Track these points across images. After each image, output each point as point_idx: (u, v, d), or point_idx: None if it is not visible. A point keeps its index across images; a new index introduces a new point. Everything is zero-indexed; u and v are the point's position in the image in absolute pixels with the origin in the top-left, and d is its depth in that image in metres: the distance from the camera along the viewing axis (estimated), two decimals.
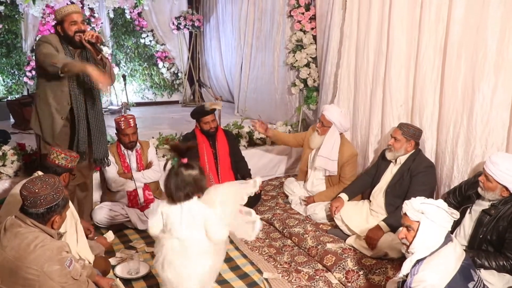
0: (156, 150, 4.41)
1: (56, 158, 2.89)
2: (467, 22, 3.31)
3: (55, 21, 3.32)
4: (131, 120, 3.92)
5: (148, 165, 4.09)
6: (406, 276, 2.29)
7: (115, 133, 4.05)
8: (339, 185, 4.09)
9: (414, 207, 2.31)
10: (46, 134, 3.38)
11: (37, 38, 6.83)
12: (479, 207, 2.91)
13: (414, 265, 2.24)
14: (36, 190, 2.09)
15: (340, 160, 4.05)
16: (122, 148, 3.99)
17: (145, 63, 8.16)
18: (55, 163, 2.88)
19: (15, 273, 2.02)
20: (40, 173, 2.89)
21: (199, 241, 2.43)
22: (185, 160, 2.36)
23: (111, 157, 3.90)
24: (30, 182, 2.14)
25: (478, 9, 3.22)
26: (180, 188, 2.35)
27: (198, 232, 2.42)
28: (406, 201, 2.37)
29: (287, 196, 4.52)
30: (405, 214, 2.36)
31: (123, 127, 3.89)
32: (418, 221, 2.29)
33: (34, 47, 6.86)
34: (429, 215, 2.26)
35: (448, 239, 2.24)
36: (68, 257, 2.12)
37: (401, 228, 2.41)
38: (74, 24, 3.24)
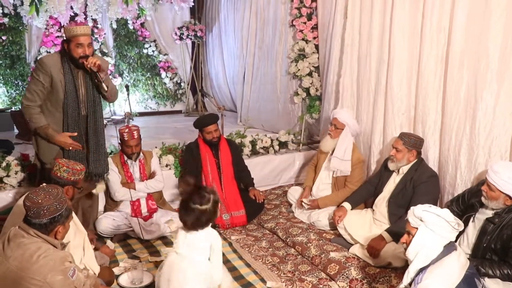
0: (159, 160, 4.42)
1: (58, 170, 2.87)
2: (469, 31, 3.33)
3: (64, 38, 3.37)
4: (135, 132, 3.92)
5: (151, 175, 4.10)
6: (410, 284, 2.28)
7: (119, 143, 4.06)
8: (344, 190, 4.10)
9: (415, 213, 2.32)
10: (43, 154, 3.45)
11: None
12: (482, 215, 2.90)
13: (418, 273, 2.24)
14: (39, 201, 2.10)
15: None
16: (125, 158, 4.00)
17: (148, 73, 8.19)
18: (57, 176, 2.86)
19: (18, 284, 2.02)
20: (45, 185, 2.90)
21: (198, 263, 2.50)
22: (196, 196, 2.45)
23: (114, 167, 3.92)
24: (34, 193, 2.15)
25: (480, 18, 3.24)
26: (193, 221, 2.46)
27: (198, 255, 2.50)
28: (411, 207, 2.37)
29: (290, 205, 4.52)
30: (407, 219, 2.37)
31: (126, 139, 3.90)
32: (417, 228, 2.30)
33: (37, 58, 6.93)
34: (428, 224, 2.26)
35: (452, 248, 2.23)
36: (71, 267, 2.12)
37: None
38: (79, 47, 3.28)
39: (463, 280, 2.12)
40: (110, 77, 7.35)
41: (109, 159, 3.95)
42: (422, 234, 2.27)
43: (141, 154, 4.08)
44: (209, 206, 2.44)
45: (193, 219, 2.44)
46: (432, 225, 2.24)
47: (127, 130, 3.90)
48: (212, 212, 2.47)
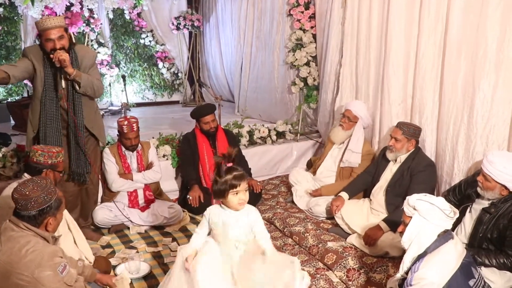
0: (157, 150, 4.40)
1: (34, 155, 2.86)
2: (466, 20, 3.31)
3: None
4: (134, 124, 3.89)
5: (149, 166, 4.08)
6: (407, 273, 2.28)
7: (117, 135, 4.04)
8: (349, 180, 4.08)
9: (409, 203, 2.33)
10: (27, 141, 3.42)
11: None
12: (479, 205, 2.90)
13: (415, 262, 2.24)
14: (27, 193, 2.07)
15: None
16: (123, 149, 3.99)
17: (145, 64, 8.14)
18: (33, 161, 2.85)
19: (7, 278, 1.99)
20: (26, 175, 2.85)
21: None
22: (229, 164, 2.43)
23: (111, 158, 3.90)
24: (22, 185, 2.12)
25: (477, 8, 3.21)
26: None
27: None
28: (407, 197, 2.37)
29: (290, 189, 4.50)
30: (402, 209, 2.38)
31: (126, 131, 3.87)
32: (411, 217, 2.31)
33: None
34: (421, 212, 2.26)
35: (449, 236, 2.24)
36: (61, 262, 2.07)
37: None
38: (49, 41, 3.16)
39: (460, 269, 2.13)
40: (107, 67, 7.35)
41: (107, 149, 3.94)
42: (416, 223, 2.27)
43: (139, 145, 4.06)
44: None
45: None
46: (425, 213, 2.25)
47: (126, 122, 3.87)
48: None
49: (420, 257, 2.23)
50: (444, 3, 3.47)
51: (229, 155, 2.45)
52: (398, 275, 2.32)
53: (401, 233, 2.36)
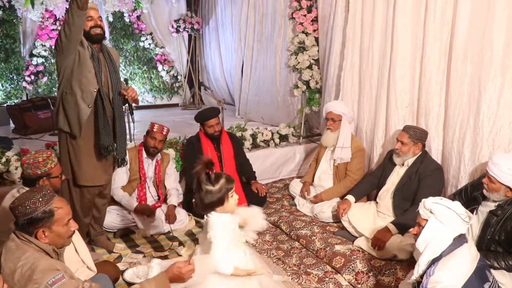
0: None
1: (24, 170, 2.79)
2: (473, 23, 3.33)
3: None
4: (165, 128, 3.95)
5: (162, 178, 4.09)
6: (421, 277, 2.29)
7: (144, 135, 4.03)
8: (346, 180, 4.13)
9: (425, 205, 2.33)
10: (74, 127, 3.17)
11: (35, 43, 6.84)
12: (485, 208, 2.93)
13: (430, 265, 2.25)
14: (15, 202, 2.04)
15: None
16: (144, 154, 3.97)
17: (145, 66, 8.12)
18: (25, 175, 2.80)
19: None
20: (24, 188, 2.74)
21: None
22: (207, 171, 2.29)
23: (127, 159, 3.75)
24: (21, 194, 2.11)
25: (484, 11, 3.24)
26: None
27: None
28: (422, 199, 2.38)
29: (293, 198, 4.53)
30: (418, 211, 2.38)
31: (155, 130, 3.90)
32: (427, 220, 2.31)
33: (32, 52, 6.84)
34: (438, 216, 2.27)
35: (463, 240, 2.24)
36: (54, 275, 1.95)
37: None
38: (90, 20, 3.18)
39: (475, 272, 2.13)
40: None
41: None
42: (432, 226, 2.27)
43: (159, 154, 4.05)
44: (218, 186, 2.29)
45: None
46: (442, 217, 2.25)
47: (157, 125, 3.94)
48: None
49: (435, 260, 2.24)
50: (450, 6, 3.49)
51: (210, 162, 2.32)
52: (413, 277, 2.32)
53: (415, 235, 2.36)
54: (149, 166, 4.01)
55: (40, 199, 2.04)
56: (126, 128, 3.48)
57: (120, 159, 3.42)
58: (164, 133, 3.94)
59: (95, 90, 3.15)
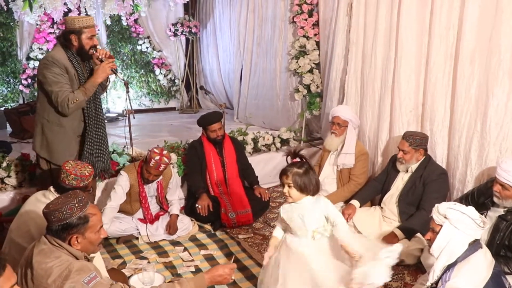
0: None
1: (66, 178, 2.77)
2: (480, 28, 3.33)
3: (69, 29, 3.15)
4: (163, 165, 3.63)
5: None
6: (436, 283, 2.27)
7: (141, 161, 3.81)
8: (349, 184, 4.11)
9: (439, 211, 2.31)
10: (58, 157, 3.21)
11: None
12: (494, 213, 2.93)
13: (445, 271, 2.23)
14: (50, 206, 2.04)
15: None
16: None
17: (142, 70, 8.06)
18: (65, 183, 2.77)
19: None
20: (52, 189, 2.82)
21: None
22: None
23: (126, 182, 3.75)
24: (55, 198, 2.11)
25: (491, 15, 3.24)
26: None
27: None
28: (436, 204, 2.36)
29: None
30: (431, 216, 2.36)
31: (151, 165, 3.60)
32: (441, 225, 2.29)
33: (29, 55, 6.77)
34: (453, 221, 2.25)
35: (478, 245, 2.23)
36: (89, 273, 1.99)
37: None
38: (91, 38, 3.15)
39: (491, 278, 2.12)
40: None
41: (125, 174, 3.77)
42: (447, 232, 2.25)
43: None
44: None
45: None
46: (456, 222, 2.23)
47: (157, 158, 3.59)
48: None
49: (450, 266, 2.22)
50: (456, 11, 3.49)
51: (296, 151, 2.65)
52: (428, 283, 2.30)
53: (429, 240, 2.34)
54: (150, 188, 3.86)
55: (76, 205, 2.05)
56: (106, 137, 3.44)
57: (100, 170, 3.40)
58: (160, 169, 3.65)
59: (82, 120, 3.28)
